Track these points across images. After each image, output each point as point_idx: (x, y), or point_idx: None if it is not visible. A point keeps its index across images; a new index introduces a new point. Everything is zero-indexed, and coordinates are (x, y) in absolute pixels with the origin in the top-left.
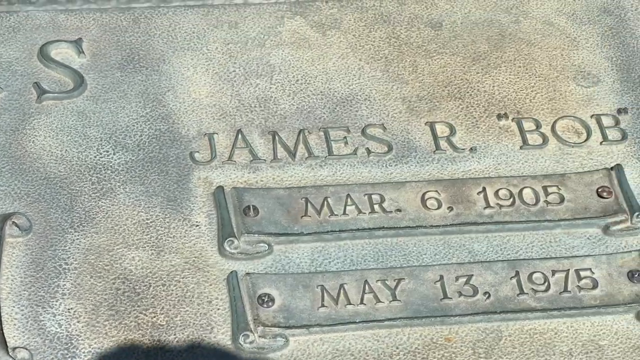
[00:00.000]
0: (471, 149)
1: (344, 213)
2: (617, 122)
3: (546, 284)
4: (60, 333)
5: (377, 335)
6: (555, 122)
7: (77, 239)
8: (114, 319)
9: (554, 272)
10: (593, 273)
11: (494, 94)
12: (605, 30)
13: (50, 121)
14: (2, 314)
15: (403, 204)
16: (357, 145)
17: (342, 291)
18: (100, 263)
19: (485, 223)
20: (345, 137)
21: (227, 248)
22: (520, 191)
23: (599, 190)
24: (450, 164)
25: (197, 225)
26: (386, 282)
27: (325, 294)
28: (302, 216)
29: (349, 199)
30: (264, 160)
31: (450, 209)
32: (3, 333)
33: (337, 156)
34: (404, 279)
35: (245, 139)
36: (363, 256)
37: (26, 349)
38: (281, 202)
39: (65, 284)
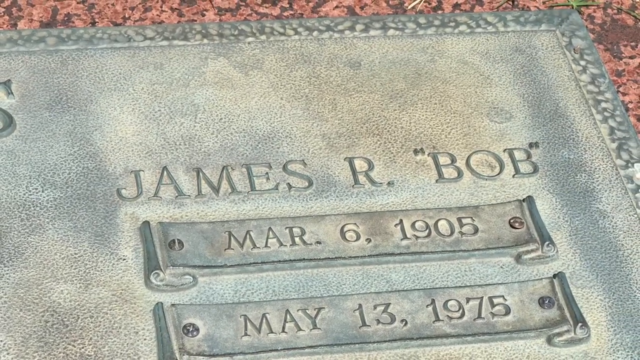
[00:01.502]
0: (389, 183)
1: (266, 245)
2: (529, 156)
3: (461, 310)
4: None
5: None
6: (469, 156)
7: (7, 273)
8: (43, 351)
9: (468, 300)
10: (506, 300)
11: (410, 130)
12: (517, 68)
13: None
14: None
15: (323, 236)
16: (278, 181)
17: (264, 320)
18: (30, 296)
19: (402, 254)
20: (267, 173)
21: (153, 280)
22: (436, 223)
23: (511, 221)
24: (369, 198)
25: (124, 259)
26: (307, 311)
27: (248, 323)
28: (226, 249)
29: (270, 232)
30: (189, 195)
31: (369, 240)
32: None
33: (259, 191)
34: (323, 307)
35: (171, 175)
36: (284, 287)
37: None
38: (205, 236)
39: None
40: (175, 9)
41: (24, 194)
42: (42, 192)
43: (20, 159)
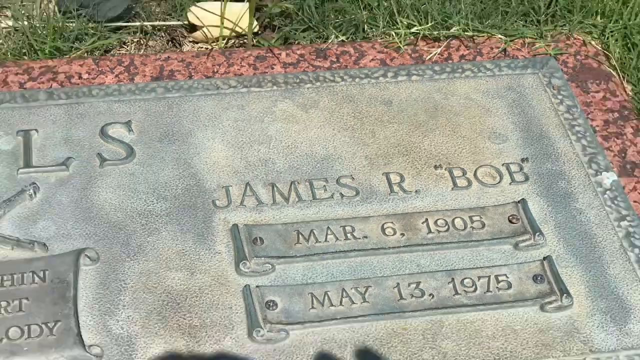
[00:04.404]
0: (416, 191)
1: (326, 240)
2: (521, 168)
3: (474, 286)
4: (122, 334)
5: (352, 328)
6: (476, 169)
7: (133, 265)
8: (162, 323)
9: (479, 278)
10: (508, 277)
11: (431, 151)
12: (510, 102)
13: (110, 181)
14: (79, 322)
15: (368, 232)
16: (333, 191)
17: (326, 297)
18: (150, 282)
19: (428, 244)
20: (324, 186)
21: (242, 268)
22: (453, 220)
23: (510, 217)
24: (402, 203)
25: (219, 253)
26: (358, 289)
27: (314, 299)
28: (295, 244)
29: (328, 230)
30: (266, 204)
31: (403, 235)
32: (81, 335)
33: (319, 199)
34: (370, 286)
35: (252, 189)
36: (340, 271)
37: (98, 346)
38: (279, 234)
39: (125, 298)
40: (251, 64)
41: (143, 205)
42: (157, 203)
43: (140, 179)
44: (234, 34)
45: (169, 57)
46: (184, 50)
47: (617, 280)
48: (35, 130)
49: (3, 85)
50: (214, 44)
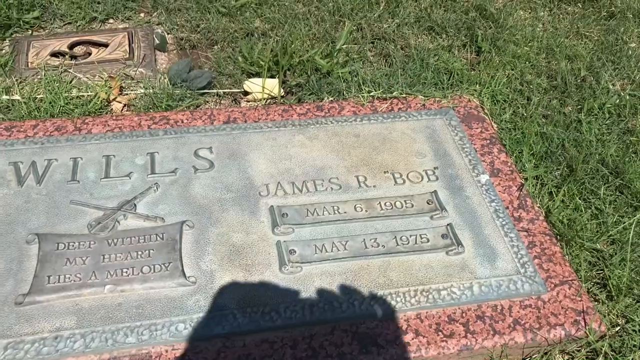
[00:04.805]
0: (374, 186)
1: (323, 214)
2: (434, 173)
3: (408, 241)
4: (207, 270)
5: (338, 265)
6: (408, 173)
7: (213, 230)
8: (230, 263)
9: (410, 236)
10: (427, 236)
11: (382, 163)
12: (427, 135)
13: (200, 181)
14: (183, 263)
15: (347, 209)
16: (327, 186)
17: (323, 247)
18: (223, 239)
19: (381, 217)
20: (322, 183)
21: (276, 231)
22: (394, 202)
23: (428, 201)
24: (366, 193)
25: (263, 222)
26: (341, 242)
27: (316, 248)
28: (306, 216)
29: (324, 208)
30: (289, 194)
31: (366, 211)
32: (184, 270)
33: (319, 191)
34: (348, 241)
35: (281, 185)
36: (331, 232)
37: (193, 276)
38: (297, 211)
39: (208, 249)
40: (279, 114)
41: (219, 195)
42: (227, 194)
43: (217, 181)
44: (269, 97)
45: (233, 110)
46: (241, 105)
47: (489, 237)
48: (157, 152)
49: (138, 126)
50: (258, 102)
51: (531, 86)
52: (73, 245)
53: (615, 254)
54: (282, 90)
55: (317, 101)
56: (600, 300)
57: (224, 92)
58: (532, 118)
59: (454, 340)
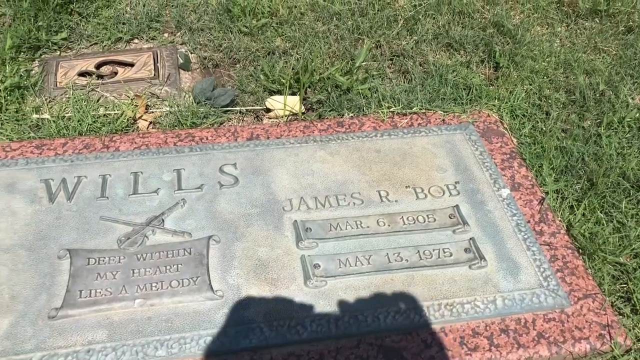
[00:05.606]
0: (396, 200)
1: (346, 229)
2: (455, 187)
3: (431, 255)
4: (234, 284)
5: (362, 279)
6: (429, 188)
7: (239, 244)
8: (256, 277)
9: (433, 250)
10: (450, 250)
11: (403, 178)
12: (448, 149)
13: (225, 197)
14: (210, 277)
15: (369, 224)
16: (349, 201)
17: (347, 261)
18: (248, 253)
19: (403, 231)
20: (344, 198)
21: (300, 245)
22: (417, 217)
23: (450, 215)
24: (388, 207)
25: (287, 237)
26: (364, 256)
27: (340, 262)
28: (329, 231)
29: (347, 222)
30: (312, 209)
31: (389, 225)
32: (211, 284)
33: (342, 206)
34: (372, 255)
35: (304, 200)
36: (354, 246)
37: (220, 290)
38: (320, 225)
39: (234, 263)
40: (301, 130)
41: (244, 210)
42: (251, 209)
43: (242, 196)
44: (291, 113)
45: (255, 126)
46: (264, 122)
47: (511, 251)
48: (183, 169)
49: (164, 143)
50: (280, 119)
51: (550, 101)
52: (103, 260)
53: (639, 267)
54: (303, 107)
55: (338, 117)
56: (625, 314)
57: (247, 110)
58: (551, 132)
59: (479, 353)
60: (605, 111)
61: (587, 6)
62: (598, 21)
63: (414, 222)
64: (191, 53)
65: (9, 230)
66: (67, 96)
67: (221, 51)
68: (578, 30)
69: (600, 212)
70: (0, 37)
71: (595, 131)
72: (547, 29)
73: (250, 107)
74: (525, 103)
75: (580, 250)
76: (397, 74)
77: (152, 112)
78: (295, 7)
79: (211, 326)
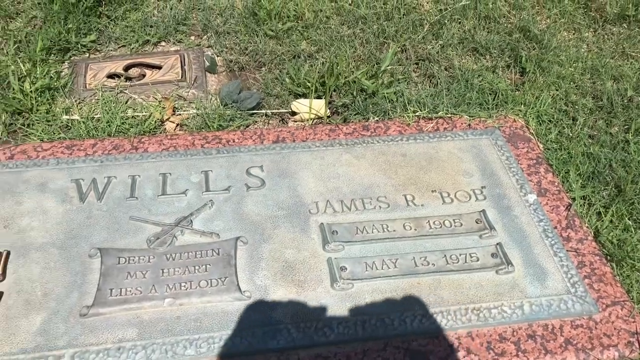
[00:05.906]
0: (422, 205)
1: (372, 232)
2: (482, 192)
3: (458, 260)
4: (261, 285)
5: (389, 282)
6: (456, 192)
7: (266, 246)
8: (283, 278)
9: (460, 254)
10: (476, 254)
11: (429, 182)
12: (474, 154)
13: (252, 199)
14: (238, 277)
15: (396, 228)
16: (375, 205)
17: (373, 264)
18: (276, 255)
19: (430, 235)
20: (370, 201)
21: (326, 248)
22: (443, 221)
23: (476, 220)
24: (414, 211)
25: (313, 239)
26: (391, 260)
27: (367, 265)
28: (355, 234)
29: (373, 226)
30: (338, 212)
31: (415, 229)
32: (239, 285)
33: (367, 209)
34: (398, 259)
35: (330, 203)
36: (381, 249)
37: (248, 291)
38: (346, 229)
39: (262, 264)
40: (327, 133)
41: (271, 213)
42: (278, 211)
43: (268, 198)
44: (316, 117)
45: (281, 129)
46: (289, 125)
47: (538, 256)
48: (211, 170)
49: (192, 145)
50: (306, 122)
51: (576, 106)
52: (133, 260)
53: None
54: (328, 110)
55: (363, 121)
56: None
57: (272, 113)
58: (578, 138)
59: (506, 359)
60: (633, 117)
61: (615, 11)
62: (626, 26)
63: (441, 227)
64: (217, 56)
65: (41, 229)
66: (96, 98)
67: (247, 54)
68: (605, 36)
69: (629, 219)
70: (31, 39)
71: (623, 137)
72: (574, 34)
73: (276, 111)
74: (552, 109)
75: (608, 257)
76: (423, 78)
77: (180, 115)
78: (321, 11)
79: (239, 326)
